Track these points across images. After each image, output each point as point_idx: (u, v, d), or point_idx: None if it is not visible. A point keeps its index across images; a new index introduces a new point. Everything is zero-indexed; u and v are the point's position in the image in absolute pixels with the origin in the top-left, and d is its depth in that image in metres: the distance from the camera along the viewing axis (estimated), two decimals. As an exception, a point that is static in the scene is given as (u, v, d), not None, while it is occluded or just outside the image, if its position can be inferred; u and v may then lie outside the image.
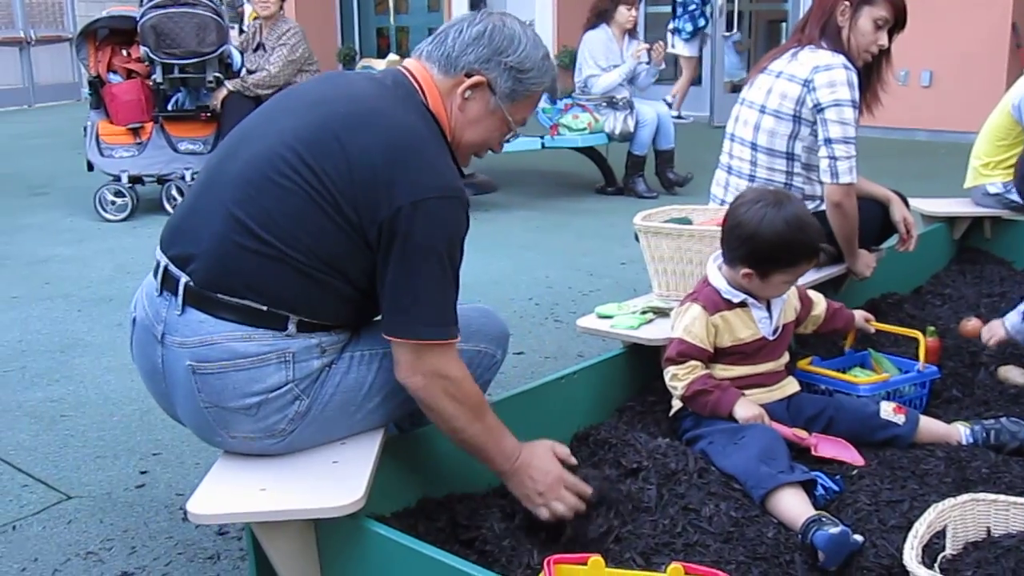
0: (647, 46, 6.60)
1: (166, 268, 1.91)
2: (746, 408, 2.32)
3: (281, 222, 1.82)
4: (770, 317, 2.44)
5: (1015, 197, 4.00)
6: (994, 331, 2.62)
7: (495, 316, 2.20)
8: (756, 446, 2.17)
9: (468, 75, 1.96)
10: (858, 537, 1.93)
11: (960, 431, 2.40)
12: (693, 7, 10.01)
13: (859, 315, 2.79)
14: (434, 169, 1.85)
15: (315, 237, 1.82)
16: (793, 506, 2.02)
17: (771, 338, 2.44)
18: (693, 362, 2.38)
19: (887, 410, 2.40)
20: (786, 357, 2.53)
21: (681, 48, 10.08)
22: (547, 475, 1.96)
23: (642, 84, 6.61)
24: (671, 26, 10.16)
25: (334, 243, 1.83)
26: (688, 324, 2.39)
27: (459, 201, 1.86)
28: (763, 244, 2.30)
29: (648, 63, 6.47)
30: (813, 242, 2.35)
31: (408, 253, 1.81)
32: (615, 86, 6.46)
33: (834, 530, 1.89)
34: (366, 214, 1.81)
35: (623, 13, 6.53)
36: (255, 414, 1.87)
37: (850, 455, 2.31)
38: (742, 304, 2.41)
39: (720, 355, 2.41)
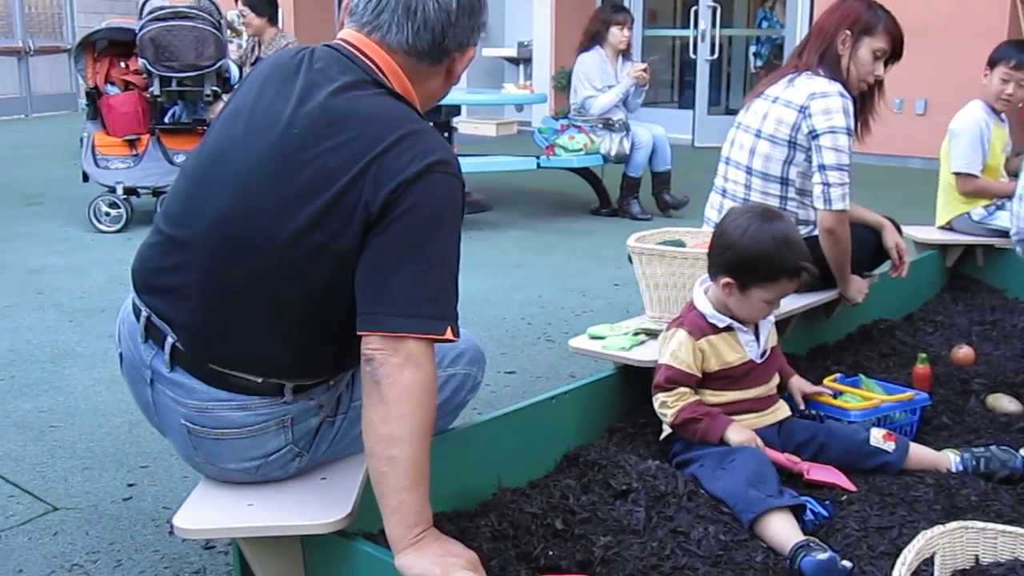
0: (644, 64, 6.62)
1: (148, 318, 1.77)
2: (738, 433, 2.31)
3: (262, 287, 1.68)
4: (757, 340, 2.44)
5: (1000, 223, 4.00)
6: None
7: (471, 336, 2.17)
8: (745, 470, 2.17)
9: (459, 50, 1.81)
10: (846, 563, 1.92)
11: (950, 458, 2.40)
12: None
13: (796, 383, 2.65)
14: (434, 142, 1.69)
15: (298, 292, 1.68)
16: (782, 531, 2.02)
17: (759, 361, 2.44)
18: (682, 388, 2.37)
19: (877, 437, 2.40)
20: (776, 380, 2.53)
21: None
22: (467, 551, 1.66)
23: (632, 106, 6.64)
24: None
25: (323, 293, 1.69)
26: (675, 350, 2.39)
27: (457, 179, 1.70)
28: (744, 252, 2.31)
29: (635, 84, 6.49)
30: (795, 259, 2.34)
31: (403, 231, 1.62)
32: (612, 106, 6.48)
33: (822, 556, 1.88)
34: (359, 209, 1.62)
35: (616, 34, 6.55)
36: (255, 473, 1.84)
37: (842, 481, 2.31)
38: (728, 328, 2.41)
39: (709, 380, 2.41)
